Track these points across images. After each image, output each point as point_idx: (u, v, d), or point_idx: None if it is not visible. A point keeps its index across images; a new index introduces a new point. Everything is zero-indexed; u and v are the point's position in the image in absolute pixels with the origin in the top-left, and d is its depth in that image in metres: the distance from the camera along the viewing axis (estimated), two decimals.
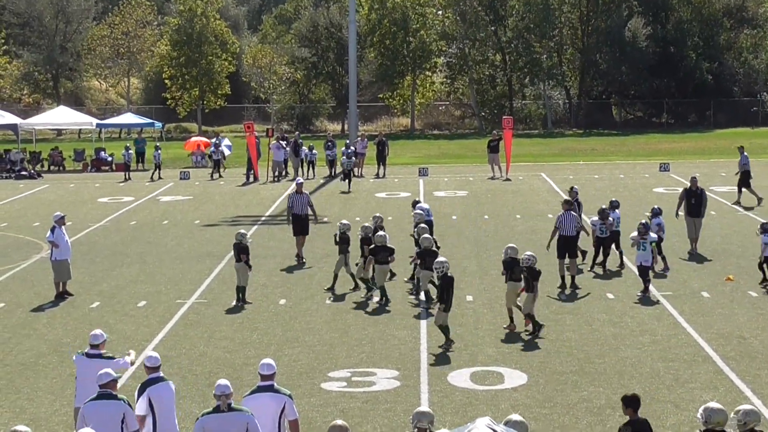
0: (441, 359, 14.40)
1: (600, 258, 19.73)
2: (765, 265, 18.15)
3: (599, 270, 19.66)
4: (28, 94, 65.35)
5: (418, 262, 17.43)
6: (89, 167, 40.96)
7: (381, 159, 36.06)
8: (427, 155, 44.03)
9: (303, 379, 13.56)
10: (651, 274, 18.11)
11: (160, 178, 36.56)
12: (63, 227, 18.73)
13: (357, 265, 18.31)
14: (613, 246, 19.73)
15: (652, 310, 16.86)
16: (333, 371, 13.90)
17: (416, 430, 8.40)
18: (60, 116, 46.03)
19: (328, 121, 63.01)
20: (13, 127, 43.63)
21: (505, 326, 15.76)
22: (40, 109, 59.18)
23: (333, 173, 36.38)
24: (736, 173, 28.40)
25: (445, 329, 14.93)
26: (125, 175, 36.97)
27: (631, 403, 9.22)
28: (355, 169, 35.40)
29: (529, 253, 15.75)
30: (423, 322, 16.22)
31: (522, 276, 15.54)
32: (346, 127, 54.13)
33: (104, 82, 68.60)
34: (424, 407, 9.69)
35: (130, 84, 65.93)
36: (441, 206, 28.68)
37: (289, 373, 13.66)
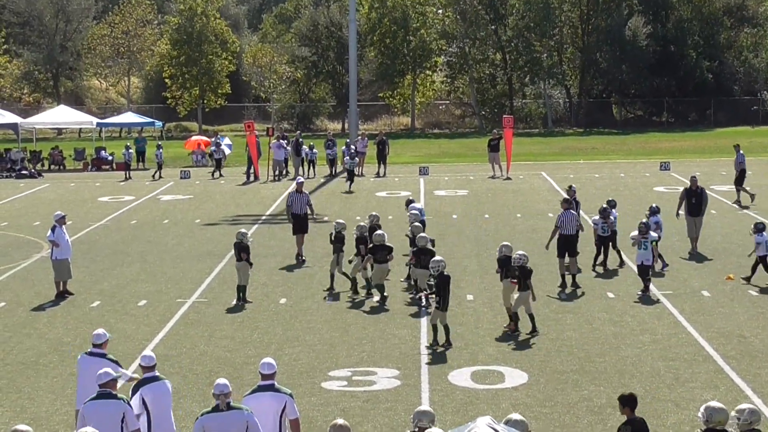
0: (439, 358, 14.40)
1: (600, 257, 19.73)
2: (760, 265, 18.16)
3: (600, 269, 19.66)
4: (28, 94, 65.38)
5: (413, 261, 17.44)
6: (89, 166, 40.97)
7: (381, 158, 36.06)
8: (427, 154, 44.03)
9: (303, 379, 13.56)
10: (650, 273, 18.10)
11: (160, 177, 36.55)
12: (63, 226, 18.73)
13: (350, 262, 18.31)
14: (610, 244, 19.78)
15: (653, 309, 16.86)
16: (333, 370, 13.90)
17: (417, 429, 8.40)
18: (60, 115, 46.07)
19: (328, 120, 63.03)
20: (14, 127, 43.65)
21: (505, 326, 15.76)
22: (40, 108, 59.19)
23: (333, 172, 36.38)
24: (742, 173, 28.39)
25: (444, 328, 14.92)
26: (126, 174, 36.98)
27: (628, 402, 9.22)
28: (356, 168, 35.41)
29: (520, 252, 15.75)
30: (423, 322, 16.21)
31: (515, 275, 15.52)
32: (346, 126, 54.14)
33: (104, 81, 68.61)
34: (425, 406, 9.69)
35: (131, 83, 65.94)
36: (441, 205, 28.69)
37: (289, 373, 13.66)
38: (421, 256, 16.80)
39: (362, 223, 18.85)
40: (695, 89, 58.31)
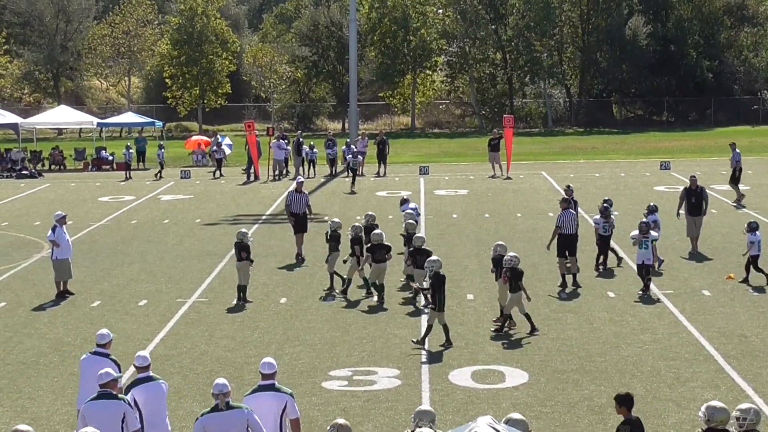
0: (439, 358, 14.40)
1: (602, 257, 19.75)
2: (751, 265, 18.17)
3: (601, 268, 19.65)
4: (28, 94, 65.36)
5: (409, 261, 17.47)
6: (90, 166, 40.96)
7: (381, 158, 36.06)
8: (427, 154, 44.03)
9: (304, 378, 13.56)
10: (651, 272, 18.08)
11: (161, 177, 36.53)
12: (64, 226, 18.73)
13: (345, 262, 18.32)
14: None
15: (653, 308, 16.86)
16: (334, 370, 13.90)
17: (418, 429, 8.40)
18: (61, 115, 46.06)
19: (328, 119, 63.02)
20: (14, 127, 43.64)
21: (494, 319, 15.75)
22: (40, 108, 59.18)
23: (334, 172, 36.38)
24: (739, 171, 28.39)
25: (443, 328, 14.91)
26: (126, 174, 36.98)
27: (624, 401, 9.21)
28: (358, 168, 35.44)
29: (512, 254, 15.75)
30: (423, 321, 16.19)
31: (506, 276, 15.52)
32: (346, 125, 54.13)
33: (105, 81, 68.61)
34: (426, 406, 9.70)
35: (131, 83, 65.93)
36: (442, 205, 28.69)
37: (290, 372, 13.66)
38: (417, 256, 16.80)
39: (357, 224, 18.85)
40: (695, 89, 58.30)
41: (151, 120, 48.54)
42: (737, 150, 28.50)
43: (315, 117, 62.88)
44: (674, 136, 50.58)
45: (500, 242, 16.70)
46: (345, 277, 18.17)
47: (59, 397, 13.15)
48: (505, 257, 15.63)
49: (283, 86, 62.14)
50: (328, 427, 8.29)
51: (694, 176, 22.13)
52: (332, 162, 36.54)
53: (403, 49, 57.91)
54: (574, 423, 11.86)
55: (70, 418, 12.20)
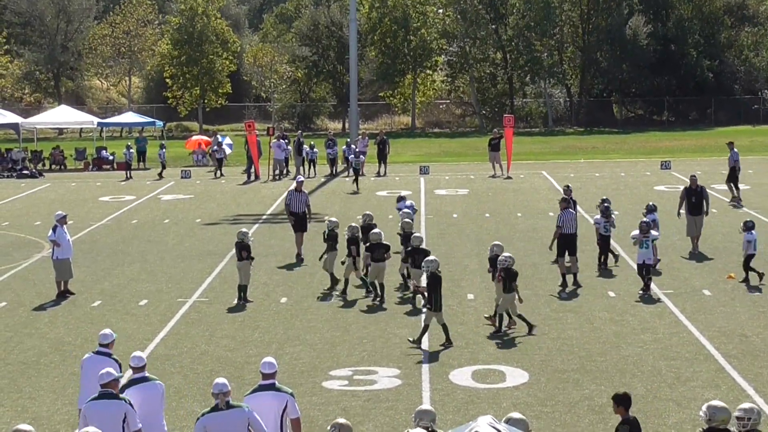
0: (439, 357, 14.39)
1: (602, 257, 19.76)
2: (744, 264, 18.18)
3: (600, 268, 19.66)
4: (29, 94, 65.35)
5: (407, 260, 17.51)
6: (90, 166, 40.95)
7: (382, 157, 36.06)
8: (428, 153, 44.02)
9: (304, 378, 13.56)
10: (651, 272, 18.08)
11: (160, 177, 36.51)
12: (64, 226, 18.74)
13: (343, 263, 18.32)
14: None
15: (654, 308, 16.85)
16: (334, 370, 13.90)
17: (419, 428, 8.40)
18: (61, 115, 46.05)
19: (328, 119, 63.02)
20: (15, 127, 43.63)
21: (505, 325, 15.76)
22: (41, 108, 59.18)
23: (334, 172, 36.39)
24: (737, 171, 28.39)
25: (442, 328, 14.91)
26: (126, 174, 36.98)
27: (622, 401, 9.20)
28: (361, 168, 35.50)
29: (506, 254, 15.74)
30: (431, 321, 16.16)
31: (501, 276, 15.52)
32: (347, 125, 54.13)
33: (105, 81, 68.60)
34: (426, 405, 9.70)
35: (131, 83, 65.94)
36: (442, 204, 28.69)
37: (290, 372, 13.66)
38: (416, 255, 16.80)
39: (353, 224, 18.87)
40: (696, 88, 58.28)
41: (152, 120, 48.54)
42: (735, 149, 28.49)
43: (315, 117, 62.87)
44: (675, 135, 50.57)
45: (497, 242, 16.72)
46: (340, 278, 18.20)
47: (60, 396, 13.15)
48: (500, 257, 15.65)
49: (284, 86, 62.14)
50: (329, 427, 8.29)
51: (695, 176, 22.13)
52: (332, 162, 36.54)
53: (403, 48, 57.90)
54: (575, 423, 11.86)
55: (70, 418, 12.21)
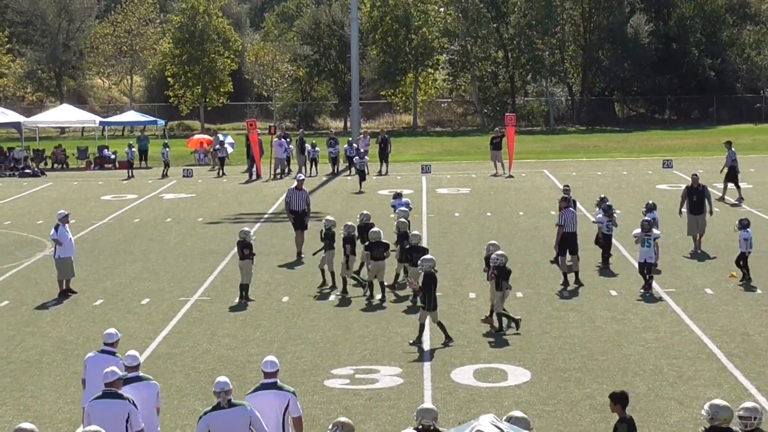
0: (441, 356, 14.38)
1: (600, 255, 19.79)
2: (738, 261, 18.18)
3: (601, 266, 19.66)
4: (31, 93, 65.38)
5: (402, 259, 17.53)
6: (92, 165, 40.95)
7: (383, 156, 36.05)
8: (429, 152, 44.01)
9: (306, 377, 13.56)
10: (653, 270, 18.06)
11: (163, 176, 36.50)
12: (67, 225, 18.74)
13: (342, 263, 18.37)
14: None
15: (656, 306, 16.84)
16: (336, 368, 13.90)
17: (420, 427, 8.40)
18: (63, 114, 46.05)
19: (330, 118, 62.99)
20: (17, 125, 43.66)
21: (482, 318, 15.75)
22: (43, 107, 59.21)
23: (336, 171, 36.38)
24: (721, 170, 28.40)
25: (439, 326, 14.91)
26: (128, 172, 36.99)
27: (620, 400, 9.19)
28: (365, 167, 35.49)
29: (499, 252, 15.74)
30: (426, 320, 16.17)
31: (494, 274, 15.53)
32: (348, 124, 54.12)
33: (107, 80, 68.62)
34: (428, 404, 9.69)
35: (133, 82, 65.95)
36: (444, 203, 28.69)
37: (292, 371, 13.66)
38: (414, 253, 16.80)
39: (350, 222, 18.89)
40: (697, 87, 58.22)
41: (153, 119, 48.52)
42: (732, 149, 28.48)
43: (317, 115, 62.85)
44: (676, 134, 50.53)
45: (493, 241, 16.71)
46: (328, 277, 18.24)
47: (62, 395, 13.16)
48: (492, 255, 15.66)
49: (285, 85, 62.13)
50: (331, 426, 8.30)
51: (696, 175, 22.10)
52: (334, 161, 36.54)
53: (404, 47, 57.88)
54: (577, 421, 11.85)
55: (72, 417, 12.22)
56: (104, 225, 26.33)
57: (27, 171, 38.72)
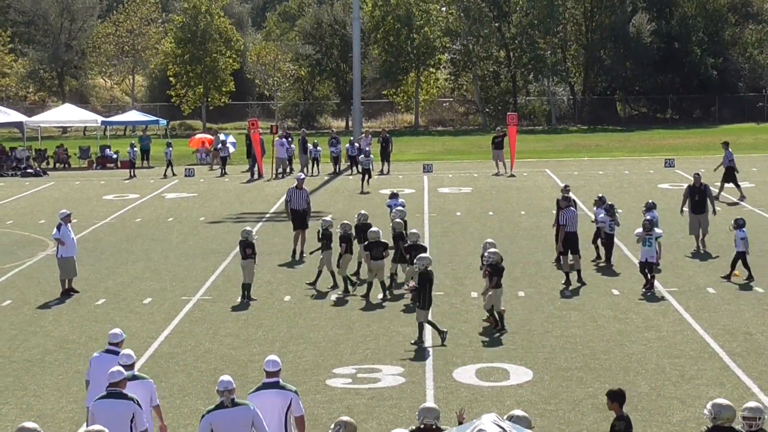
0: (443, 355, 14.38)
1: (599, 255, 19.78)
2: (733, 260, 18.18)
3: (603, 265, 19.64)
4: (33, 92, 65.41)
5: (397, 259, 17.56)
6: (94, 165, 40.97)
7: (385, 156, 36.04)
8: (431, 152, 44.00)
9: (308, 376, 13.56)
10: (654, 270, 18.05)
11: (165, 176, 36.51)
12: (69, 224, 18.75)
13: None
14: (598, 242, 19.86)
15: (658, 306, 16.83)
16: (338, 368, 13.90)
17: (423, 426, 8.40)
18: (65, 114, 46.06)
19: (332, 117, 63.00)
20: (19, 125, 43.70)
21: (484, 318, 15.76)
22: (45, 107, 59.24)
23: (337, 170, 36.38)
24: (715, 168, 28.36)
25: (426, 325, 14.93)
26: (130, 172, 37.00)
27: (616, 397, 9.20)
28: (360, 166, 35.45)
29: (492, 250, 15.73)
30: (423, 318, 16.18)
31: (486, 272, 15.51)
32: (350, 123, 54.12)
33: (109, 79, 68.66)
34: (430, 403, 9.69)
35: (135, 82, 65.97)
36: (445, 203, 28.68)
37: (294, 370, 13.66)
38: (413, 252, 16.80)
39: (346, 221, 18.90)
40: (700, 86, 58.16)
41: (155, 118, 48.53)
42: (730, 149, 28.48)
43: (318, 115, 62.85)
44: (678, 133, 50.48)
45: (489, 239, 16.70)
46: (335, 276, 18.28)
47: (64, 394, 13.17)
48: (485, 253, 15.66)
49: (287, 84, 62.13)
50: (333, 425, 8.30)
51: (698, 174, 22.07)
52: (336, 160, 36.53)
53: (406, 47, 57.87)
54: (579, 420, 11.85)
55: (75, 416, 12.23)
56: (106, 224, 26.34)
57: (29, 171, 38.75)
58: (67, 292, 18.41)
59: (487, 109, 60.14)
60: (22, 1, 64.16)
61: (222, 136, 39.92)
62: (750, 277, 18.21)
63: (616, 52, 58.32)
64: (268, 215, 27.36)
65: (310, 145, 36.33)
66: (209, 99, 58.13)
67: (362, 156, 33.06)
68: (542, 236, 22.44)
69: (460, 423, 8.59)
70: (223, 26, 59.01)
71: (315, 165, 36.23)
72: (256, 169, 36.01)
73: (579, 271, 18.46)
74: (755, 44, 60.27)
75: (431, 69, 59.64)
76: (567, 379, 13.24)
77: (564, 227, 18.57)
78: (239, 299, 17.73)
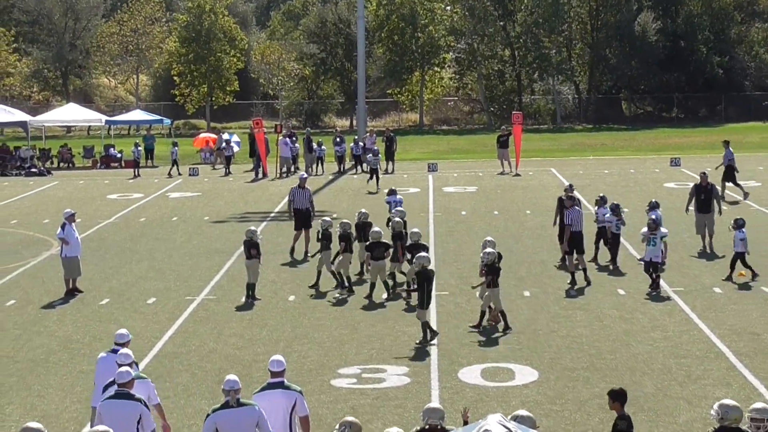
0: (448, 355, 14.32)
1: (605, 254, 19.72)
2: (738, 261, 18.10)
3: (610, 265, 19.57)
4: (37, 92, 65.48)
5: (395, 258, 17.50)
6: (98, 164, 40.97)
7: (389, 155, 35.97)
8: (436, 151, 43.93)
9: (313, 376, 13.51)
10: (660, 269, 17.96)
11: (170, 175, 36.51)
12: (73, 224, 18.72)
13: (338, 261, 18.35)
14: (601, 242, 19.80)
15: (664, 306, 16.75)
16: (343, 368, 13.85)
17: (427, 426, 8.35)
18: (69, 113, 46.12)
19: (336, 117, 62.97)
20: (23, 125, 43.72)
21: (488, 319, 15.71)
22: (49, 106, 59.30)
23: (342, 169, 36.34)
24: (717, 167, 28.24)
25: (424, 326, 14.89)
26: (134, 171, 36.99)
27: (618, 397, 9.16)
28: (364, 166, 35.41)
29: (488, 249, 15.67)
30: (433, 319, 16.14)
31: (483, 271, 15.46)
32: (354, 122, 54.07)
33: (113, 79, 68.70)
34: (435, 403, 9.63)
35: (139, 81, 65.99)
36: (450, 202, 28.62)
37: (298, 370, 13.61)
38: (414, 251, 16.75)
39: (345, 220, 18.85)
40: (705, 84, 58.02)
41: (159, 118, 48.56)
42: (730, 148, 28.37)
43: (323, 114, 62.82)
44: (684, 132, 50.35)
45: (489, 237, 16.63)
46: (337, 274, 18.19)
47: (68, 394, 13.14)
48: (481, 253, 15.61)
49: (291, 83, 62.12)
50: (338, 425, 8.24)
51: (705, 173, 21.94)
52: (340, 159, 36.48)
53: (411, 45, 57.81)
54: (585, 421, 11.78)
55: (79, 416, 12.20)
56: (110, 224, 26.32)
57: (33, 170, 38.76)
58: (71, 292, 18.38)
59: (492, 108, 60.06)
60: (26, 1, 64.25)
61: (226, 136, 39.89)
62: (754, 275, 18.11)
63: (621, 50, 58.21)
64: (272, 215, 27.31)
65: (314, 144, 36.28)
66: (213, 98, 58.13)
67: (371, 155, 32.93)
68: (547, 235, 22.36)
69: (465, 423, 8.53)
70: (228, 25, 59.01)
71: (319, 164, 36.19)
72: (260, 168, 35.95)
73: (585, 270, 18.39)
74: (761, 42, 60.12)
75: (436, 68, 59.57)
76: (573, 379, 13.17)
77: (570, 227, 18.50)
78: (243, 299, 17.68)
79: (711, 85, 57.76)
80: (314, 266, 19.05)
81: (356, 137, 38.24)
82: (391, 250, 17.71)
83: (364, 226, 18.63)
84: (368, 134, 38.11)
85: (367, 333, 15.55)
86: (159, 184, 34.44)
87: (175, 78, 58.28)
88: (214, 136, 43.21)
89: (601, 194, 20.81)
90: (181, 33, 58.29)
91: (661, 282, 17.74)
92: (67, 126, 54.83)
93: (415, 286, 15.07)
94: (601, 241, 19.84)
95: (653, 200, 20.30)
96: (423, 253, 15.45)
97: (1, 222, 26.98)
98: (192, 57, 57.30)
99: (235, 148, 39.28)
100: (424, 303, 14.87)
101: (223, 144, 38.39)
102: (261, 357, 14.11)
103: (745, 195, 27.53)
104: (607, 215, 19.68)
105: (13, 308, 17.70)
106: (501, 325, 15.50)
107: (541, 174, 34.26)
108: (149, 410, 9.26)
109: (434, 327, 15.32)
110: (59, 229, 18.67)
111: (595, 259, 19.78)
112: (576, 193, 21.21)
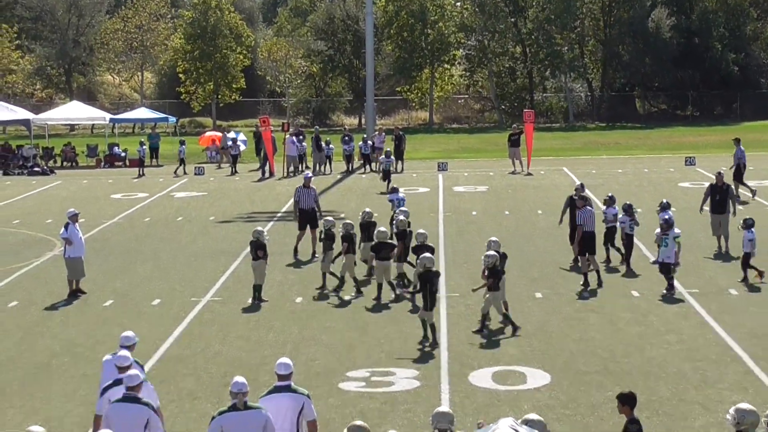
0: (459, 358, 14.06)
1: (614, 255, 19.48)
2: (742, 262, 17.86)
3: (623, 266, 19.29)
4: (40, 89, 65.42)
5: (399, 258, 17.35)
6: (102, 163, 40.80)
7: (398, 154, 35.71)
8: (446, 149, 43.69)
9: (320, 379, 13.30)
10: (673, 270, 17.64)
11: (176, 174, 36.32)
12: (76, 224, 18.52)
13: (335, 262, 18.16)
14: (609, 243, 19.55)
15: (678, 308, 16.47)
16: (351, 371, 13.64)
17: (437, 431, 8.20)
18: (73, 111, 45.94)
19: (344, 115, 62.78)
20: (26, 123, 43.55)
21: (500, 322, 15.46)
22: (52, 104, 59.25)
23: (350, 168, 36.10)
24: (731, 167, 27.88)
25: (426, 326, 14.74)
26: (139, 170, 36.81)
27: (627, 400, 9.06)
28: (373, 164, 35.19)
29: (489, 252, 15.43)
30: (443, 321, 15.90)
31: (485, 275, 15.20)
32: (363, 121, 53.85)
33: (117, 76, 68.59)
34: (445, 407, 9.41)
35: (144, 78, 65.89)
36: (461, 202, 28.37)
37: (306, 373, 13.40)
38: (419, 252, 16.51)
39: (348, 221, 18.62)
40: (721, 82, 57.50)
41: (164, 116, 48.35)
42: (741, 146, 28.02)
43: (331, 112, 62.62)
44: (699, 130, 49.95)
45: (494, 238, 16.34)
46: (339, 275, 18.01)
47: (71, 398, 12.97)
48: (483, 256, 15.37)
49: (299, 81, 61.88)
50: (346, 429, 8.10)
51: (720, 173, 21.61)
52: (348, 158, 36.25)
53: (420, 42, 57.54)
54: (597, 425, 11.56)
55: (82, 420, 12.03)
56: (114, 224, 26.12)
57: (36, 169, 38.60)
58: (75, 293, 18.18)
59: (503, 106, 59.77)
60: None
61: (232, 134, 39.68)
62: (760, 274, 17.78)
63: (634, 47, 57.74)
64: (279, 214, 27.09)
65: (323, 143, 36.04)
66: (219, 96, 57.96)
67: (383, 157, 32.62)
68: (559, 236, 22.03)
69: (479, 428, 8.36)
70: (234, 22, 58.82)
71: (328, 163, 35.97)
72: (267, 167, 35.73)
73: (598, 272, 18.12)
74: None
75: (446, 65, 59.30)
76: (585, 383, 12.95)
77: (582, 227, 18.23)
78: (250, 300, 17.47)
79: (726, 82, 57.26)
80: (318, 267, 18.86)
81: (365, 136, 37.95)
82: (396, 251, 17.48)
83: (368, 226, 18.47)
84: (377, 133, 37.86)
85: (377, 335, 15.32)
86: (164, 183, 34.25)
87: (181, 75, 58.13)
88: (220, 134, 43.03)
89: (610, 194, 20.52)
90: (186, 29, 58.13)
91: (676, 283, 17.43)
92: (70, 124, 54.73)
93: (418, 288, 14.86)
94: (609, 242, 19.53)
95: (664, 200, 20.01)
96: (426, 254, 15.22)
97: (4, 222, 26.80)
98: (198, 54, 57.14)
99: (242, 147, 39.07)
100: (427, 305, 14.64)
101: (229, 142, 38.16)
102: (268, 360, 13.89)
103: (753, 192, 27.18)
104: (619, 216, 19.43)
105: (16, 310, 17.51)
106: (509, 329, 15.23)
107: (553, 173, 33.96)
108: (158, 415, 9.13)
109: (443, 329, 15.04)
110: (62, 229, 18.49)
111: (607, 260, 19.50)
112: (588, 192, 20.91)
